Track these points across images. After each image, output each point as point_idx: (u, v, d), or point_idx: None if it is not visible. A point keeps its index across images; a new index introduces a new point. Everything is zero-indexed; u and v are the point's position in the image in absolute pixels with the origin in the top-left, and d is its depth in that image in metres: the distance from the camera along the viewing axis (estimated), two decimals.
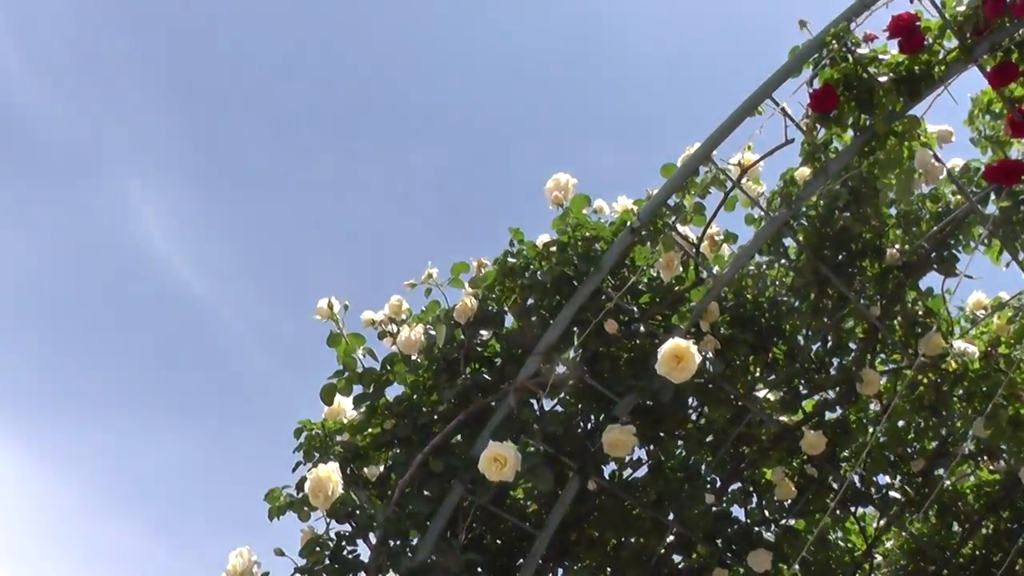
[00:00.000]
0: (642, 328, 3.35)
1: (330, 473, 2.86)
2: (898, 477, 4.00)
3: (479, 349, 3.40)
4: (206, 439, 11.15)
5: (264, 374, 11.07)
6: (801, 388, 3.73)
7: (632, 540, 3.65)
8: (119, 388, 10.95)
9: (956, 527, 4.24)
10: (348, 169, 10.35)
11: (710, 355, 3.26)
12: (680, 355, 2.92)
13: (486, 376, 3.27)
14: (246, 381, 11.20)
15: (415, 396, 3.34)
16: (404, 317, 3.39)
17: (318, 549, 3.16)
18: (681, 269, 3.38)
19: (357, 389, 3.41)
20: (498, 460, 2.93)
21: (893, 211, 3.65)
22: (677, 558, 3.81)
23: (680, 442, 3.72)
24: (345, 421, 3.38)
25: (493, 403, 3.27)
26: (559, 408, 3.53)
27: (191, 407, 11.10)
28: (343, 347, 3.35)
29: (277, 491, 3.31)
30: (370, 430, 3.39)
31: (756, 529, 3.68)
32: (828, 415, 3.81)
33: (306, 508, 3.30)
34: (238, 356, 10.94)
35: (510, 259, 3.25)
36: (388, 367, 3.35)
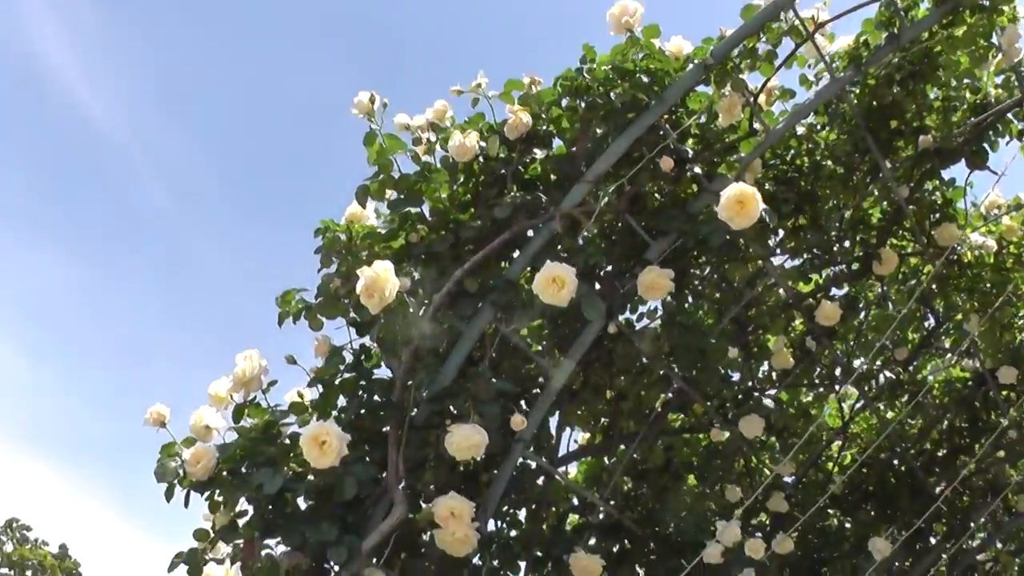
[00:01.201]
0: (697, 169, 3.18)
1: (388, 272, 2.58)
2: (878, 362, 4.03)
3: (521, 170, 3.17)
4: (92, 266, 10.45)
5: (161, 210, 10.38)
6: (817, 260, 3.68)
7: (631, 392, 3.55)
8: None
9: (918, 419, 4.33)
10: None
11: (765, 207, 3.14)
12: (745, 200, 2.77)
13: (540, 195, 3.05)
14: (141, 214, 10.48)
15: (449, 212, 3.10)
16: (447, 125, 3.12)
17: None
18: (741, 116, 3.23)
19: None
20: (556, 281, 2.72)
21: (934, 95, 3.59)
22: (672, 416, 3.76)
23: (690, 298, 3.62)
24: (367, 227, 3.11)
25: (531, 230, 3.09)
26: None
27: (78, 232, 10.35)
28: (376, 148, 3.05)
29: (291, 294, 3.05)
30: (391, 243, 3.14)
31: (755, 395, 3.64)
32: (835, 291, 3.79)
33: (320, 316, 3.06)
34: (135, 188, 10.20)
35: (585, 75, 3.01)
36: (427, 174, 3.07)
